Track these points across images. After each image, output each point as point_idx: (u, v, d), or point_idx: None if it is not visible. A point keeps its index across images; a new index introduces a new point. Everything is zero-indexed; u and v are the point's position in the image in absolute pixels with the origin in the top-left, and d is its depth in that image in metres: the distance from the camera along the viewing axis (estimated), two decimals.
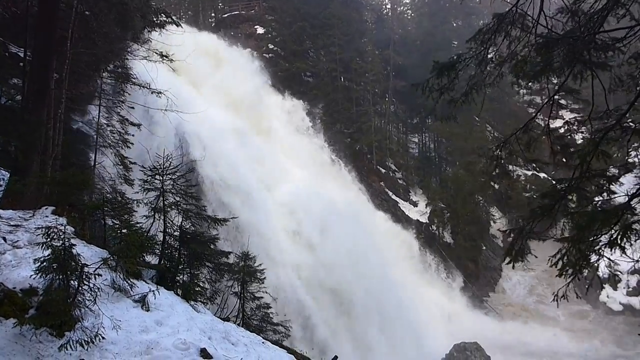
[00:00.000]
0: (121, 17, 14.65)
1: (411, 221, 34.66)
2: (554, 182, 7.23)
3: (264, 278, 12.16)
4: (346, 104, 38.78)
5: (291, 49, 39.55)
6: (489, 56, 6.50)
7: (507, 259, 7.26)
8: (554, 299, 6.69)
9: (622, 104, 6.48)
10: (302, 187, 24.34)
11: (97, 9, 13.71)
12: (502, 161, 7.29)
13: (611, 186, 6.48)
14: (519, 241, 7.01)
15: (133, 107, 15.92)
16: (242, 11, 44.87)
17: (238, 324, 10.45)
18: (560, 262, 6.45)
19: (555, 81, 7.35)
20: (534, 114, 7.41)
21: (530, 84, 6.79)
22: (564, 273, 6.69)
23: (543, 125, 7.70)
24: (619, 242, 5.83)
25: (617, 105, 6.53)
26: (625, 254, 6.52)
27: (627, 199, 6.20)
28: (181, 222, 9.52)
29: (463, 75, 6.74)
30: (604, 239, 6.48)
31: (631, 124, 6.45)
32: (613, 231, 6.00)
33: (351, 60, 39.32)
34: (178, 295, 8.57)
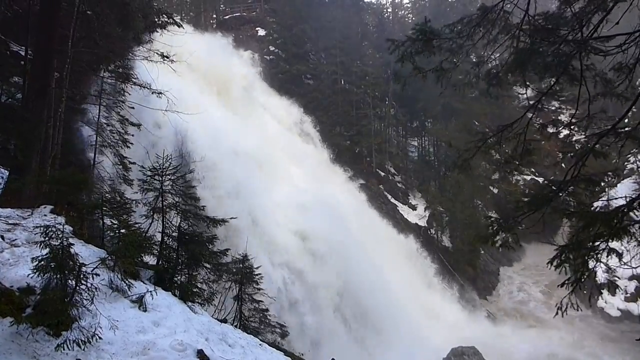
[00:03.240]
0: (123, 17, 14.67)
1: (410, 225, 34.66)
2: (547, 183, 7.23)
3: (262, 279, 12.17)
4: (346, 107, 38.84)
5: (292, 51, 39.62)
6: (465, 47, 6.42)
7: (477, 240, 7.27)
8: (556, 313, 6.67)
9: (600, 109, 6.50)
10: (302, 189, 24.34)
11: (99, 9, 13.73)
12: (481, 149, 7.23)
13: (606, 190, 6.49)
14: (498, 232, 6.99)
15: (133, 107, 15.92)
16: (243, 13, 44.99)
17: (235, 326, 10.44)
18: (557, 261, 6.43)
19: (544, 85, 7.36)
20: (522, 114, 7.38)
21: (521, 82, 6.75)
22: (566, 283, 6.68)
23: (539, 127, 7.72)
24: (616, 237, 5.84)
25: (600, 110, 6.54)
26: (622, 259, 6.53)
27: (627, 203, 6.20)
28: (179, 223, 9.51)
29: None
30: (603, 244, 6.48)
31: (626, 129, 6.47)
32: (611, 235, 6.00)
33: (352, 63, 39.40)
34: (176, 296, 8.56)
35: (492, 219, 7.19)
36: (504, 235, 6.85)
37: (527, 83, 6.80)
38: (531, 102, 6.99)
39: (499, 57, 6.68)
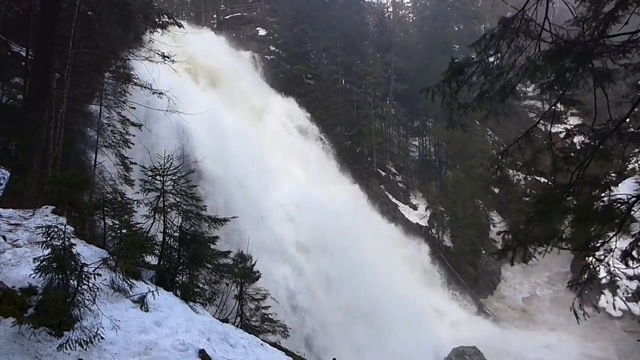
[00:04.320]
0: (123, 18, 14.68)
1: (411, 224, 34.64)
2: (550, 185, 7.20)
3: (260, 278, 12.16)
4: (347, 107, 38.82)
5: (292, 51, 39.59)
6: (495, 63, 6.44)
7: (498, 257, 7.26)
8: (577, 317, 6.67)
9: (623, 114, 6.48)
10: (303, 190, 24.34)
11: (99, 9, 13.74)
12: (503, 167, 7.22)
13: (609, 190, 6.46)
14: (515, 245, 6.99)
15: (134, 107, 15.93)
16: (244, 13, 44.98)
17: (237, 326, 10.44)
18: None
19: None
20: (536, 122, 7.37)
21: (543, 92, 6.71)
22: (573, 283, 6.69)
23: (544, 130, 7.69)
24: (631, 253, 5.83)
25: (620, 115, 6.52)
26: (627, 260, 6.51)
27: (627, 202, 6.20)
28: (181, 223, 9.52)
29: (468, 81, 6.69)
30: (606, 246, 6.48)
31: (629, 130, 6.45)
32: (623, 239, 5.99)
33: (352, 63, 39.36)
34: (177, 296, 8.57)
35: (503, 231, 7.15)
36: (520, 248, 6.82)
37: (530, 84, 6.81)
38: (535, 102, 6.94)
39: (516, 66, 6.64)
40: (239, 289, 11.77)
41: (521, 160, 7.21)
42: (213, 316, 9.20)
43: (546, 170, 7.21)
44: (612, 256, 6.56)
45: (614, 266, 6.65)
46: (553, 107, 6.93)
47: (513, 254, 7.00)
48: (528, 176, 41.24)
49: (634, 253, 6.09)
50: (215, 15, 48.98)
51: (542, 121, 8.09)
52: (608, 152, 6.28)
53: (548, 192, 6.91)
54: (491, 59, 6.35)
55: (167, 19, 17.23)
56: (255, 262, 12.00)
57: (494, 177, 7.20)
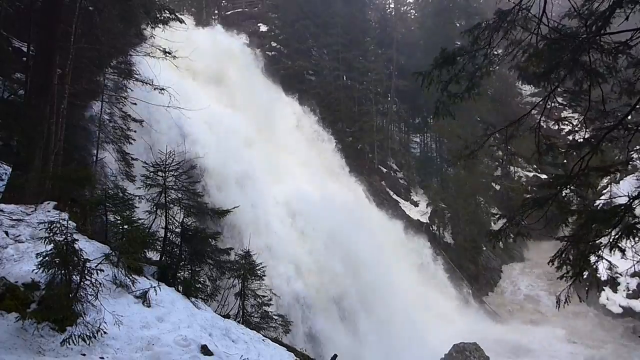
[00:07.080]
0: (125, 13, 14.65)
1: (412, 221, 34.64)
2: (551, 178, 7.24)
3: (265, 276, 12.19)
4: (348, 103, 38.74)
5: (294, 47, 39.51)
6: (490, 52, 6.45)
7: (490, 238, 7.33)
8: (557, 304, 6.70)
9: (619, 106, 6.49)
10: (304, 186, 24.34)
11: (100, 5, 13.73)
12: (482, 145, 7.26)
13: (611, 185, 6.50)
14: (508, 229, 7.06)
15: (135, 103, 15.93)
16: (245, 9, 44.88)
17: (238, 321, 10.46)
18: (558, 261, 6.47)
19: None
20: (529, 110, 7.42)
21: (534, 84, 6.76)
22: (565, 275, 6.71)
23: (545, 126, 7.70)
24: (618, 242, 5.84)
25: (614, 107, 6.53)
26: (625, 255, 6.53)
27: (628, 200, 6.20)
28: (183, 219, 9.53)
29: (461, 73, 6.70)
30: (604, 240, 6.50)
31: (633, 125, 6.45)
32: (614, 233, 6.01)
33: (354, 59, 39.26)
34: (179, 291, 8.59)
35: (498, 215, 7.23)
36: (511, 232, 6.90)
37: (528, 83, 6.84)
38: (535, 99, 6.99)
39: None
40: (241, 285, 11.78)
41: (502, 148, 7.26)
42: (215, 312, 9.23)
43: (547, 166, 7.28)
44: (605, 251, 6.59)
45: (609, 262, 6.69)
46: (547, 98, 6.94)
47: (506, 237, 7.07)
48: (529, 172, 41.30)
49: (621, 245, 6.12)
50: (216, 11, 48.83)
51: (544, 118, 8.08)
52: (603, 148, 6.28)
53: (549, 182, 6.94)
54: (489, 49, 6.35)
55: (168, 15, 17.18)
56: (262, 262, 12.00)
57: (465, 152, 7.25)
